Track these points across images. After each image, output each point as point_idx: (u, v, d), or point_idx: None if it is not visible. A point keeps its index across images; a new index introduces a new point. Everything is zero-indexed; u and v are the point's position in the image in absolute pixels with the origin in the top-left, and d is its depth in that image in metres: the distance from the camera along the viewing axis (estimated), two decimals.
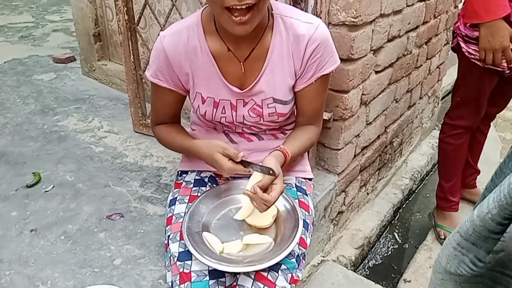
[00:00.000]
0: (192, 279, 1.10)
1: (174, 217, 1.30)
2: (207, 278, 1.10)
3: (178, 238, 1.22)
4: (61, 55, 3.16)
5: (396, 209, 2.45)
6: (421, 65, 2.37)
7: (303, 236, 1.24)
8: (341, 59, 1.55)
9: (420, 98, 2.60)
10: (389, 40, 1.83)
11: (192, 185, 1.39)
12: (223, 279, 1.13)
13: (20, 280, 1.31)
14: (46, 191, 1.73)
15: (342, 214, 2.04)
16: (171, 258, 1.19)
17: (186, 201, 1.33)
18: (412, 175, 2.66)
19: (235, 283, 1.13)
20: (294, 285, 1.16)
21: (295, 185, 1.40)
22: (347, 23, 1.50)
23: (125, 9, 1.80)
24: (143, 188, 1.74)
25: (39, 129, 2.21)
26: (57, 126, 2.24)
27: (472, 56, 1.72)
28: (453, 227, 2.11)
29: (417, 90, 2.47)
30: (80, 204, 1.65)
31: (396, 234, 2.36)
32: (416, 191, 2.72)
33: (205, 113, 1.28)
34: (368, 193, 2.31)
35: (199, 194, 1.34)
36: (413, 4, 1.94)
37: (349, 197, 2.03)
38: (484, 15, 1.57)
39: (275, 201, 1.12)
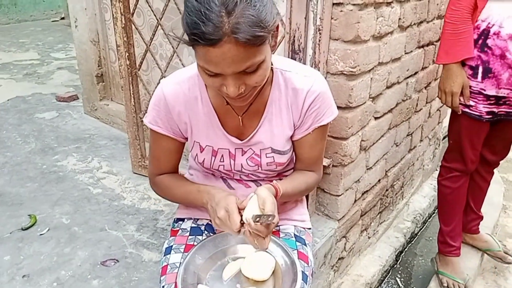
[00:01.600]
0: None
1: (169, 266, 1.27)
2: None
3: None
4: (64, 93, 3.20)
5: (398, 253, 2.40)
6: (421, 109, 2.38)
7: None
8: (340, 107, 1.57)
9: (421, 140, 2.60)
10: (388, 87, 1.84)
11: (188, 233, 1.36)
12: None
13: None
14: (41, 234, 1.71)
15: (343, 260, 1.99)
16: None
17: (182, 250, 1.31)
18: (414, 217, 2.62)
19: None
20: None
21: (294, 234, 1.37)
22: (345, 72, 1.52)
23: (127, 54, 1.84)
24: (139, 233, 1.72)
25: (38, 169, 2.21)
26: (56, 166, 2.24)
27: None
28: (455, 274, 2.06)
29: (417, 133, 2.47)
30: (75, 249, 1.62)
31: (398, 280, 2.31)
32: (418, 234, 2.67)
33: (203, 161, 1.27)
34: (369, 237, 2.27)
35: (195, 243, 1.31)
36: (411, 52, 1.97)
37: (350, 242, 2.00)
38: (442, 57, 1.71)
39: (270, 232, 1.08)
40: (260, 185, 1.36)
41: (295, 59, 1.53)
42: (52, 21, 6.66)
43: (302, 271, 1.20)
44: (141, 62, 1.91)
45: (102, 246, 1.64)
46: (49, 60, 4.38)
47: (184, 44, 0.98)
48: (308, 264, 1.30)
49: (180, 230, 1.38)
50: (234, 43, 0.88)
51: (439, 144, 3.06)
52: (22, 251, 1.61)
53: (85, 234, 1.71)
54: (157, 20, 1.80)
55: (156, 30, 1.84)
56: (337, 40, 1.51)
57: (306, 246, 1.36)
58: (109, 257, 1.58)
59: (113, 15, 1.81)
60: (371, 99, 1.73)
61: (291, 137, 1.27)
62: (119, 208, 1.88)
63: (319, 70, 1.52)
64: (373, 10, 1.51)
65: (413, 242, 2.59)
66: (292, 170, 1.40)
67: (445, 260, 2.12)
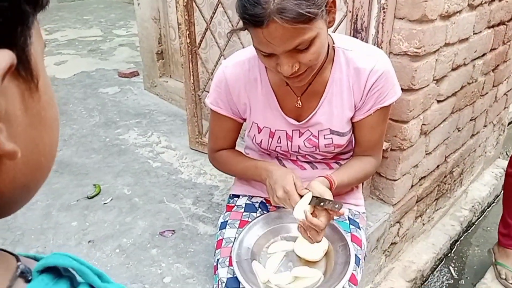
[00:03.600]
0: None
1: (224, 241, 1.31)
2: None
3: (227, 264, 1.23)
4: (125, 69, 3.32)
5: (453, 242, 2.33)
6: (487, 93, 2.26)
7: (354, 272, 1.20)
8: (402, 89, 1.50)
9: (485, 126, 2.47)
10: (453, 69, 1.76)
11: (243, 210, 1.40)
12: None
13: None
14: (105, 203, 1.81)
15: (395, 245, 1.96)
16: (219, 282, 1.20)
17: (237, 225, 1.34)
18: (472, 206, 2.52)
19: None
20: (354, 285, 1.16)
21: (348, 217, 1.37)
22: (409, 53, 1.46)
23: (188, 32, 1.87)
24: (196, 206, 1.78)
25: (101, 142, 2.33)
26: (118, 140, 2.35)
27: None
28: None
29: (481, 118, 2.35)
30: (136, 219, 1.71)
31: (452, 269, 2.24)
32: (476, 223, 2.57)
33: (261, 141, 1.29)
34: (424, 224, 2.21)
35: (249, 219, 1.34)
36: (480, 32, 1.85)
37: (404, 228, 1.96)
38: None
39: (325, 226, 1.09)
40: (316, 168, 1.36)
41: (357, 38, 1.49)
42: (134, 2, 6.88)
43: (355, 254, 1.20)
44: (201, 41, 1.93)
45: (161, 217, 1.72)
46: (111, 37, 4.54)
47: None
48: (361, 247, 1.30)
49: (235, 206, 1.42)
50: (280, 22, 0.89)
51: (504, 131, 2.89)
52: (87, 218, 1.72)
53: (145, 205, 1.79)
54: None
55: (217, 8, 1.85)
56: (402, 19, 1.45)
57: (360, 229, 1.35)
58: (167, 228, 1.66)
59: None
60: (435, 82, 1.66)
61: (352, 118, 1.25)
62: (177, 182, 1.96)
63: (382, 50, 1.47)
64: None
65: (469, 231, 2.50)
66: (350, 153, 1.38)
67: (505, 252, 2.04)
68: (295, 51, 0.97)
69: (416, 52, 1.46)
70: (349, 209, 1.39)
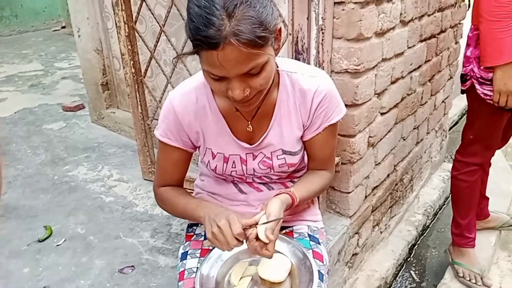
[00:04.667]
0: None
1: (186, 272, 1.28)
2: None
3: None
4: (70, 103, 3.22)
5: (411, 246, 2.41)
6: (426, 102, 2.39)
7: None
8: (346, 105, 1.56)
9: (428, 133, 2.60)
10: (392, 82, 1.85)
11: (202, 238, 1.38)
12: None
13: None
14: (58, 245, 1.73)
15: (357, 256, 2.01)
16: None
17: (198, 255, 1.32)
18: (425, 210, 2.63)
19: None
20: None
21: (308, 234, 1.38)
22: (349, 70, 1.53)
23: (132, 62, 1.85)
24: (154, 239, 1.74)
25: (49, 180, 2.23)
26: (67, 177, 2.26)
27: (488, 98, 1.71)
28: (471, 264, 2.07)
29: (423, 126, 2.47)
30: (92, 258, 1.64)
31: (413, 272, 2.31)
32: (430, 226, 2.68)
33: (215, 167, 1.28)
34: (381, 232, 2.28)
35: (210, 247, 1.33)
36: (414, 46, 1.97)
37: (363, 238, 2.01)
38: (499, 57, 1.57)
39: (273, 240, 1.09)
40: (272, 188, 1.38)
41: (298, 60, 1.54)
42: (53, 31, 6.69)
43: (318, 270, 1.21)
44: (146, 70, 1.92)
45: (118, 253, 1.66)
46: (53, 70, 4.40)
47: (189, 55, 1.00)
48: (323, 262, 1.32)
49: (194, 235, 1.40)
50: (236, 45, 0.89)
51: (446, 136, 3.06)
52: (40, 263, 1.63)
53: (100, 243, 1.73)
54: (160, 26, 1.82)
55: (160, 36, 1.85)
56: (340, 38, 1.52)
57: (320, 244, 1.37)
58: (126, 264, 1.60)
59: (116, 24, 1.83)
60: (377, 95, 1.74)
61: (302, 137, 1.28)
62: (133, 215, 1.91)
63: (323, 69, 1.53)
64: (374, 7, 1.52)
65: (425, 234, 2.60)
66: (304, 170, 1.41)
67: (460, 251, 2.13)
68: (246, 75, 0.97)
69: (356, 69, 1.52)
70: (307, 225, 1.41)
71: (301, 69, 1.22)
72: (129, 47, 1.85)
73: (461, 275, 2.08)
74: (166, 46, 2.16)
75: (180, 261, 1.35)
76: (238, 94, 0.99)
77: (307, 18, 1.47)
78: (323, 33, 1.48)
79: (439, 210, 2.80)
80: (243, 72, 0.95)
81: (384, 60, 1.71)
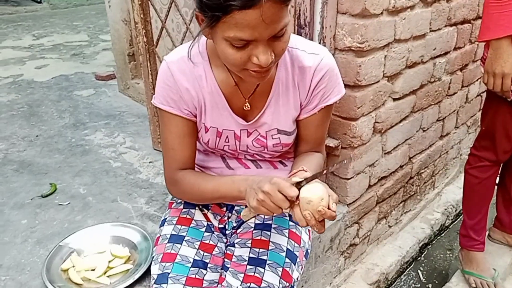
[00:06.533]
0: None
1: (160, 238, 1.29)
2: None
3: (159, 260, 1.21)
4: (103, 72, 3.32)
5: (423, 245, 2.29)
6: (455, 93, 2.23)
7: (287, 269, 1.18)
8: (348, 86, 1.50)
9: (456, 127, 2.44)
10: (408, 67, 1.73)
11: (182, 206, 1.37)
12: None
13: (13, 286, 1.36)
14: (60, 204, 1.79)
15: (356, 247, 1.93)
16: (150, 279, 1.18)
17: (174, 222, 1.32)
18: (445, 209, 2.48)
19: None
20: (287, 283, 1.12)
21: (288, 214, 1.34)
22: (353, 48, 1.44)
23: (144, 31, 1.86)
24: (148, 206, 1.76)
25: (66, 142, 2.32)
26: (83, 140, 2.34)
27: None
28: (482, 271, 1.92)
29: (451, 119, 2.31)
30: (85, 217, 1.69)
31: (420, 272, 2.20)
32: (450, 227, 2.52)
33: (208, 141, 1.23)
34: (390, 226, 2.17)
35: (187, 216, 1.32)
36: (439, 29, 1.83)
37: (364, 229, 1.92)
38: (485, 33, 1.47)
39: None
40: (260, 167, 1.34)
41: (300, 34, 1.47)
42: (105, 4, 6.95)
43: (290, 251, 1.20)
44: (158, 39, 1.93)
45: (111, 216, 1.69)
46: (97, 42, 4.57)
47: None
48: (299, 244, 1.27)
49: (175, 203, 1.40)
50: (274, 0, 0.86)
51: None
52: (38, 216, 1.70)
53: (97, 204, 1.77)
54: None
55: (170, 7, 1.84)
56: (344, 14, 1.43)
57: (300, 227, 1.32)
58: None
59: None
60: (386, 78, 1.64)
61: (297, 117, 1.22)
62: (134, 181, 1.94)
63: (326, 45, 1.46)
64: None
65: (442, 235, 2.45)
66: (292, 154, 1.36)
67: (468, 257, 1.97)
68: (271, 39, 0.92)
69: (360, 47, 1.44)
70: None
71: (302, 45, 1.15)
72: (142, 15, 1.85)
73: (473, 285, 1.93)
74: (175, 17, 2.12)
75: (159, 227, 1.35)
76: (266, 59, 0.93)
77: None
78: (326, 6, 1.41)
79: None
80: (276, 32, 0.91)
81: (397, 40, 1.60)
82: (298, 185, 0.95)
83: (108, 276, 1.37)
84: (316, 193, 0.93)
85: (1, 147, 2.28)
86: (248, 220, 1.02)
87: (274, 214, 0.97)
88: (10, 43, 4.56)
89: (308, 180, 0.97)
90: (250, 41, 0.91)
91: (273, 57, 0.95)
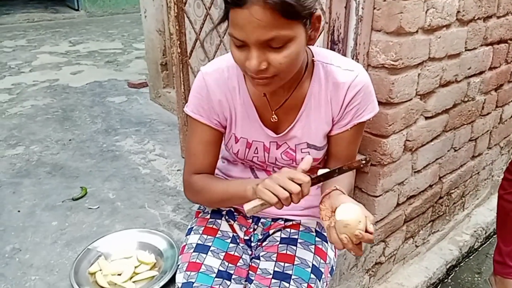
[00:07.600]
0: None
1: (186, 246, 1.30)
2: None
3: (184, 269, 1.22)
4: (135, 80, 3.40)
5: (450, 267, 2.23)
6: (489, 113, 2.18)
7: (312, 284, 1.17)
8: (380, 103, 1.48)
9: (489, 148, 2.38)
10: (442, 85, 1.71)
11: (208, 216, 1.38)
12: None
13: (41, 286, 1.40)
14: (89, 208, 1.84)
15: (381, 266, 1.89)
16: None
17: (200, 232, 1.33)
18: (475, 231, 2.41)
19: None
20: None
21: (315, 230, 1.33)
22: (386, 65, 1.44)
23: (179, 42, 1.90)
24: (175, 213, 1.78)
25: (98, 147, 2.38)
26: (114, 146, 2.39)
27: None
28: None
29: (483, 140, 2.26)
30: (114, 222, 1.73)
31: None
32: (479, 249, 2.45)
33: (237, 151, 1.25)
34: (417, 246, 2.13)
35: (214, 227, 1.33)
36: (475, 49, 1.80)
37: (390, 248, 1.89)
38: None
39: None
40: None
41: (334, 50, 1.48)
42: (141, 14, 7.13)
43: (316, 267, 1.19)
44: (192, 51, 1.96)
45: (138, 222, 1.72)
46: (130, 50, 4.69)
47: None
48: (325, 261, 1.26)
49: (201, 212, 1.41)
50: (262, 5, 0.86)
51: None
52: (68, 219, 1.75)
53: (125, 210, 1.81)
54: (206, 9, 1.85)
55: (205, 19, 1.88)
56: (379, 31, 1.43)
57: (326, 243, 1.31)
58: None
59: (167, 4, 1.89)
60: (419, 97, 1.62)
61: (328, 133, 1.22)
62: (162, 188, 1.97)
63: (359, 62, 1.45)
64: (421, 1, 1.40)
65: (471, 257, 2.38)
66: (321, 166, 1.35)
67: (502, 282, 1.92)
68: (267, 48, 0.93)
69: (393, 65, 1.43)
70: (317, 222, 1.36)
71: (337, 61, 1.16)
72: (177, 27, 1.90)
73: None
74: (208, 28, 2.16)
75: (185, 235, 1.37)
76: (254, 65, 0.94)
77: (345, 7, 1.40)
78: (361, 23, 1.41)
79: (494, 234, 2.55)
80: (263, 39, 0.90)
81: (431, 59, 1.58)
82: (315, 180, 0.96)
83: (133, 282, 1.39)
84: (353, 216, 0.90)
85: (36, 150, 2.36)
86: (251, 214, 1.01)
87: (280, 207, 0.96)
88: (47, 48, 4.73)
89: (325, 176, 0.96)
90: (246, 43, 0.93)
91: (266, 67, 0.95)
